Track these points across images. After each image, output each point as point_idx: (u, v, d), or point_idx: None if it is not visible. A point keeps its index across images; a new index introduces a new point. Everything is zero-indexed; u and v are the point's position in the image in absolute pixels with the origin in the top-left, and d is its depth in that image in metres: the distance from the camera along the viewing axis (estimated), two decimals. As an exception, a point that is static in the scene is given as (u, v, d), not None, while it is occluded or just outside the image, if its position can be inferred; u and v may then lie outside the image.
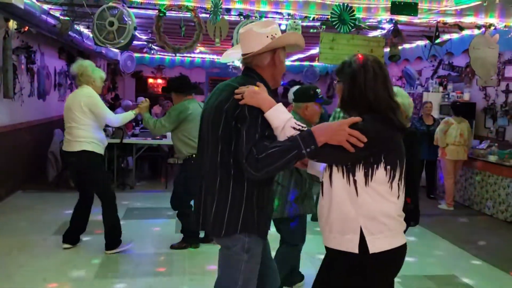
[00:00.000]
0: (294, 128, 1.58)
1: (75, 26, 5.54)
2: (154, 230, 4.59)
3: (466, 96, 6.64)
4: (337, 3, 4.31)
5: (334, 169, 1.62)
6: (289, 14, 4.75)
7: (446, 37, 5.48)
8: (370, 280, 1.62)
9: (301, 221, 2.88)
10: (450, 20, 4.86)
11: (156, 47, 8.15)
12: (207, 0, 4.33)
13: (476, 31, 5.09)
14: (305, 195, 2.81)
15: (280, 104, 1.65)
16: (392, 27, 4.99)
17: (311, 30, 5.00)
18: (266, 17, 4.72)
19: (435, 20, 4.87)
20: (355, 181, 1.57)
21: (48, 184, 6.23)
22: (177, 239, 4.09)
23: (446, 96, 6.92)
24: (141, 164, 7.84)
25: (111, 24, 4.22)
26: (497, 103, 6.23)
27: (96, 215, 3.96)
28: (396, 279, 1.82)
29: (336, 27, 4.41)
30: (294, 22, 4.73)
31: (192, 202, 3.98)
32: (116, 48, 4.70)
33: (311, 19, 4.83)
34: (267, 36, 1.74)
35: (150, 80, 12.18)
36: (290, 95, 4.76)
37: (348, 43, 4.88)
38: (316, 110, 2.82)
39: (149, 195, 6.09)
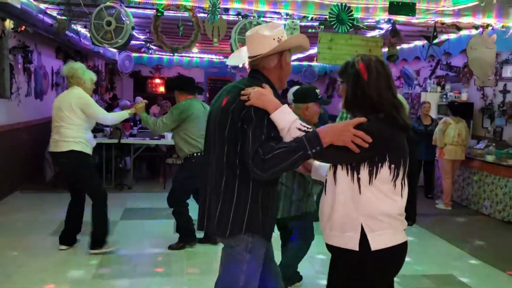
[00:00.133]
0: (299, 129, 1.60)
1: (72, 25, 5.52)
2: (152, 230, 4.58)
3: (464, 96, 6.66)
4: (335, 3, 4.31)
5: (339, 167, 1.64)
6: (287, 14, 4.75)
7: (444, 37, 5.49)
8: (370, 279, 1.62)
9: (308, 218, 2.96)
10: (448, 20, 4.87)
11: (154, 47, 8.14)
12: (205, -1, 4.33)
13: (473, 31, 5.10)
14: (308, 195, 2.92)
15: (286, 105, 1.67)
16: (390, 27, 5.00)
17: (310, 30, 5.00)
18: (264, 17, 4.71)
19: (433, 20, 4.88)
20: (359, 179, 1.58)
21: (45, 184, 6.21)
22: (175, 239, 4.08)
23: (444, 96, 6.94)
24: (139, 164, 7.82)
25: (109, 23, 4.21)
26: (494, 103, 6.24)
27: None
28: (394, 279, 1.83)
29: (334, 27, 4.41)
30: (293, 22, 4.73)
31: (188, 201, 4.00)
32: (113, 47, 4.68)
33: (309, 19, 4.83)
34: (274, 39, 1.77)
35: (149, 80, 12.17)
36: (290, 96, 4.76)
37: (346, 43, 4.89)
38: (316, 110, 2.87)
39: (147, 195, 6.08)
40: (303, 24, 4.90)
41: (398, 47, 5.29)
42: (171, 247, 4.00)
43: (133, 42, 6.32)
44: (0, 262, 3.59)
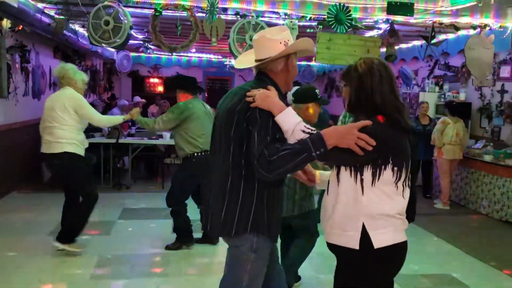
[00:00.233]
0: (303, 131, 1.63)
1: (70, 25, 5.51)
2: (150, 231, 4.57)
3: (462, 96, 6.67)
4: (333, 3, 4.31)
5: (342, 168, 1.66)
6: (285, 14, 4.75)
7: (442, 37, 5.49)
8: (371, 277, 1.64)
9: (310, 215, 3.02)
10: (446, 20, 4.88)
11: (152, 46, 8.12)
12: (203, -1, 4.32)
13: (471, 32, 5.11)
14: (310, 194, 2.99)
15: (290, 107, 1.70)
16: (389, 27, 5.00)
17: (308, 30, 5.00)
18: (262, 16, 4.71)
19: (431, 20, 4.89)
20: (362, 180, 1.61)
21: (43, 184, 6.19)
22: (174, 239, 4.07)
23: (442, 96, 6.95)
24: (137, 164, 7.81)
25: (107, 23, 4.20)
26: (492, 103, 6.25)
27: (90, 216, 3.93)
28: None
29: (332, 27, 4.41)
30: (291, 22, 4.73)
31: (187, 202, 3.99)
32: (111, 47, 4.68)
33: (307, 19, 4.83)
34: (280, 42, 1.81)
35: (147, 80, 12.15)
36: (289, 96, 4.77)
37: (344, 43, 4.89)
38: (316, 110, 2.91)
39: (146, 195, 6.07)
40: (301, 24, 4.90)
41: (396, 47, 5.30)
42: (168, 248, 3.99)
43: (131, 41, 6.30)
44: (-2, 262, 3.58)
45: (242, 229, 1.77)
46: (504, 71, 6.02)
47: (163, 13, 4.50)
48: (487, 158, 5.66)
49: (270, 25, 4.78)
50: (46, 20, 4.89)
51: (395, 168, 1.61)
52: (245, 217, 1.76)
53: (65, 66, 3.77)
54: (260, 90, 1.73)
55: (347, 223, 1.63)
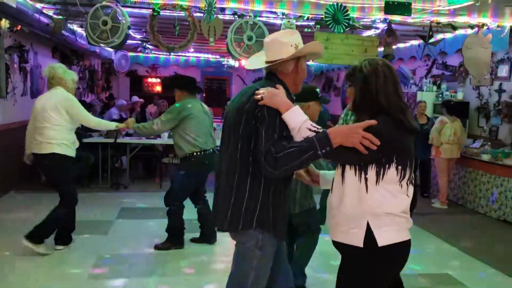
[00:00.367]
0: (309, 129, 1.66)
1: (69, 25, 5.50)
2: (148, 230, 4.57)
3: (459, 95, 6.68)
4: (331, 3, 4.32)
5: (347, 167, 1.69)
6: (283, 14, 4.75)
7: (439, 36, 5.50)
8: (374, 275, 1.66)
9: (311, 213, 3.06)
10: (443, 19, 4.88)
11: (150, 46, 8.12)
12: (201, -1, 4.32)
13: (469, 31, 5.12)
14: (311, 192, 3.04)
15: (297, 106, 1.73)
16: (386, 27, 5.01)
17: (306, 30, 5.00)
18: (260, 16, 4.71)
19: (428, 20, 4.89)
20: (366, 179, 1.63)
21: (41, 184, 6.18)
22: (172, 239, 4.08)
23: (440, 95, 6.96)
24: (135, 164, 7.81)
25: (105, 23, 4.20)
26: (490, 103, 6.27)
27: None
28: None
29: (330, 26, 4.41)
30: (289, 21, 4.73)
31: (184, 202, 3.98)
32: (109, 47, 4.67)
33: (305, 18, 4.83)
34: (291, 45, 1.86)
35: (145, 79, 12.15)
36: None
37: (342, 42, 4.90)
38: (317, 109, 2.95)
39: (144, 194, 6.07)
40: (299, 23, 4.90)
41: (394, 47, 5.31)
42: (157, 247, 3.96)
43: (129, 41, 6.29)
44: (-4, 262, 3.58)
45: (248, 225, 1.81)
46: (502, 70, 6.04)
47: (161, 13, 4.50)
48: (485, 157, 5.67)
49: (267, 25, 4.79)
50: (44, 20, 4.89)
51: (399, 167, 1.64)
52: (251, 213, 1.81)
53: (54, 66, 3.77)
54: (268, 88, 1.76)
55: (351, 221, 1.66)
